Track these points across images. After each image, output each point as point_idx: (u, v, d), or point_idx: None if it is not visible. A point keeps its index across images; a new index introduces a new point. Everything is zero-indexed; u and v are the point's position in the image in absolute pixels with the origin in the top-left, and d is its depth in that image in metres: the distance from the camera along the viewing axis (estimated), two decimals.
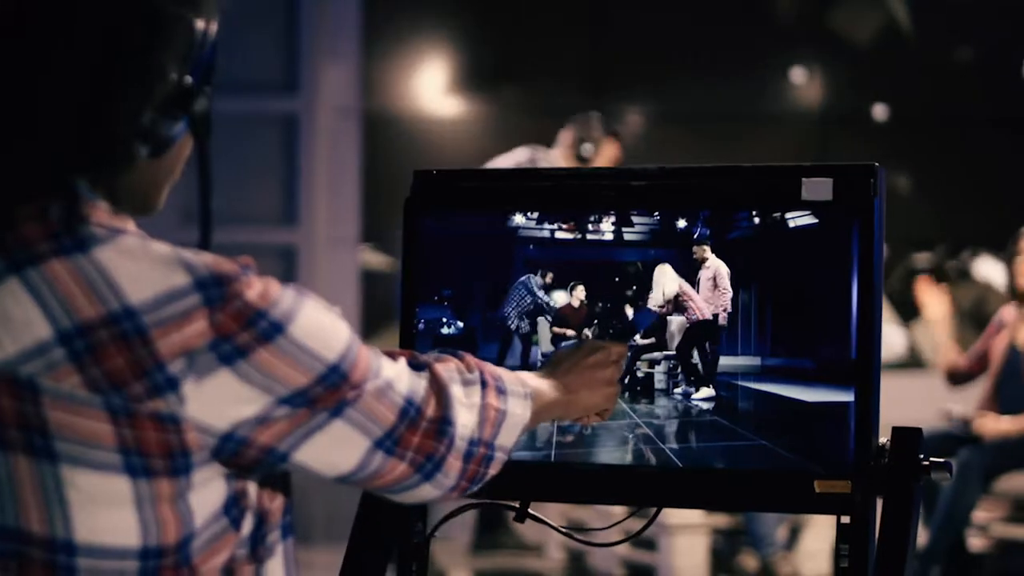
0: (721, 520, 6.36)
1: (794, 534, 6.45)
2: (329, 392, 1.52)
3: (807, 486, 1.96)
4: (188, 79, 1.50)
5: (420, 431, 1.61)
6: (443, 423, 1.63)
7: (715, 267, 2.11)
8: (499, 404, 1.74)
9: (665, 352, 2.14)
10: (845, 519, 1.96)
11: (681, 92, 11.01)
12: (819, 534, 6.35)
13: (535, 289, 2.19)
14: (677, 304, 2.12)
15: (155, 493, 1.41)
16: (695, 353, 2.14)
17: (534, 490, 2.12)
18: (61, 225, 1.42)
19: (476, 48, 10.84)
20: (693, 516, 6.19)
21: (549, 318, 2.17)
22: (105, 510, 1.39)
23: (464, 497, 2.15)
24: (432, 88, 10.79)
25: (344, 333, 1.55)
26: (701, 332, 2.15)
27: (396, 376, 1.60)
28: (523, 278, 2.15)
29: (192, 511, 1.45)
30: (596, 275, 2.15)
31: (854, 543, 1.95)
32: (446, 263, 2.15)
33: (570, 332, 2.20)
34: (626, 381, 2.12)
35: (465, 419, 1.68)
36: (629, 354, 2.13)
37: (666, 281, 2.19)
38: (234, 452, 1.47)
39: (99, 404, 1.37)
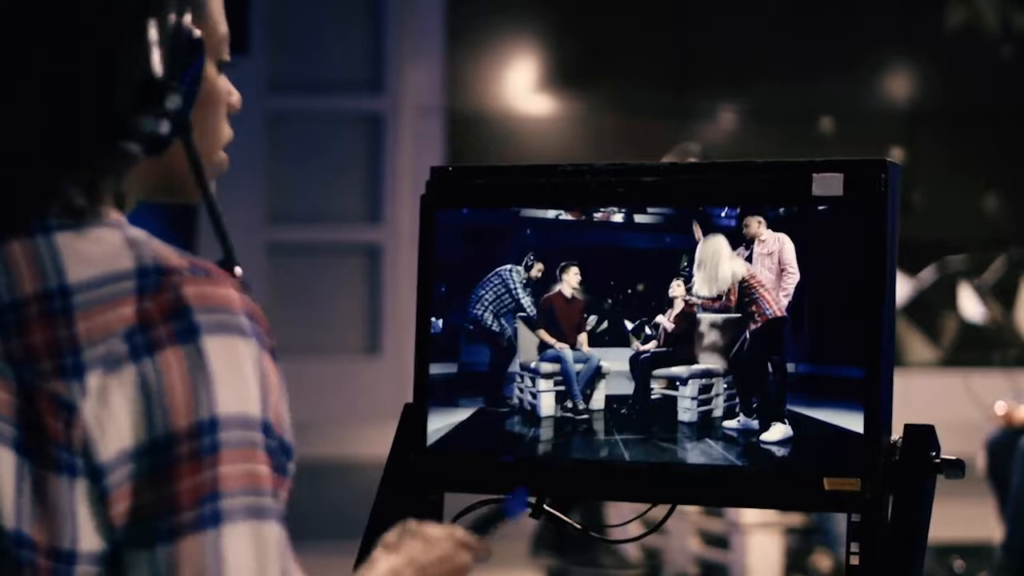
0: (795, 519, 6.32)
1: None
2: (191, 465, 1.32)
3: (817, 484, 1.94)
4: (158, 74, 1.46)
5: None
6: None
7: (777, 244, 1.99)
8: None
9: (694, 366, 1.99)
10: (856, 517, 1.95)
11: (767, 90, 10.95)
12: None
13: (514, 284, 2.06)
14: (743, 295, 1.98)
15: (38, 480, 1.34)
16: (761, 370, 1.95)
17: (550, 486, 2.11)
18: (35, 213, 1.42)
19: (561, 46, 10.84)
20: (767, 515, 6.17)
21: (528, 316, 2.06)
22: None
23: (476, 493, 2.16)
24: (517, 87, 10.81)
25: (254, 407, 1.36)
26: (772, 337, 1.97)
27: (266, 559, 1.34)
28: (500, 268, 2.09)
29: (77, 531, 1.34)
30: (597, 261, 2.03)
31: (864, 541, 1.94)
32: (461, 261, 2.15)
33: (557, 344, 2.02)
34: (636, 408, 2.00)
35: None
36: (638, 372, 1.95)
37: (724, 261, 1.98)
38: (100, 500, 1.32)
39: (10, 375, 1.35)
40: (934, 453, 1.96)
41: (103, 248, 1.39)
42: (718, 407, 1.99)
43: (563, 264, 2.07)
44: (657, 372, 2.01)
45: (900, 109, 11.03)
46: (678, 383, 2.00)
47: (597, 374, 2.06)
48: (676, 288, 2.04)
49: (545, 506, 2.13)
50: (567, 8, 10.84)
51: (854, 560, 1.95)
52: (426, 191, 2.16)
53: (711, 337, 1.99)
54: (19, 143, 1.41)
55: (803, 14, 10.92)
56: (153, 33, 1.47)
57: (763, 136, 10.83)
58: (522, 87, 10.82)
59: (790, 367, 1.98)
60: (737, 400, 1.98)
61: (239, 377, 1.36)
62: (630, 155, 9.62)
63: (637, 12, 10.88)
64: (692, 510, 6.33)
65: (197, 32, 1.52)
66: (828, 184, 1.98)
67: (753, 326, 1.98)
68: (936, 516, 1.98)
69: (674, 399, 2.00)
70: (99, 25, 1.43)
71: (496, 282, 2.10)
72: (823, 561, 6.29)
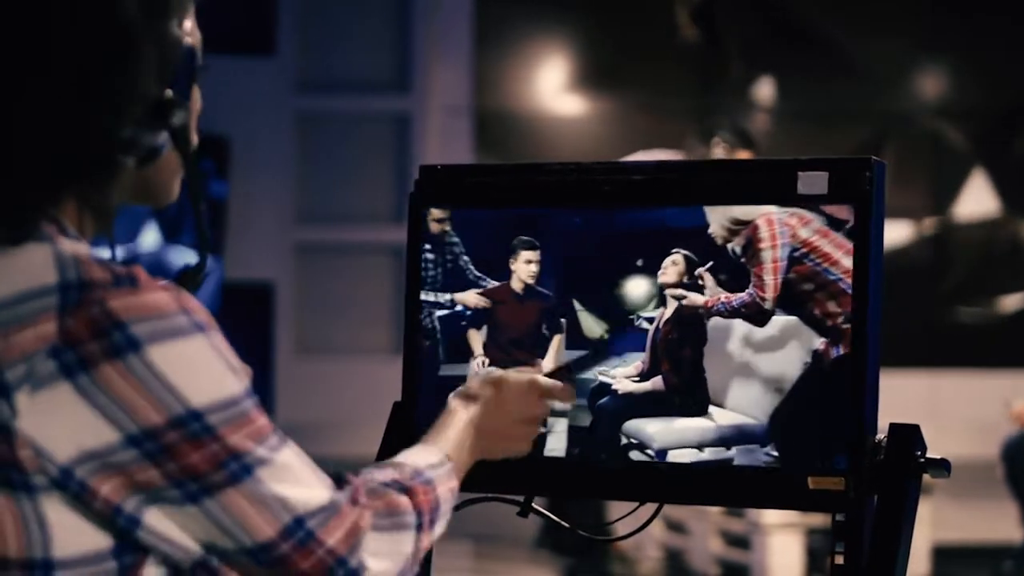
0: (817, 519, 6.30)
1: None
2: (190, 445, 1.40)
3: (801, 483, 1.94)
4: (168, 92, 1.48)
5: (314, 558, 1.48)
6: (349, 567, 1.50)
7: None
8: (430, 536, 1.65)
9: (691, 422, 1.87)
10: (841, 517, 1.94)
11: (797, 90, 10.91)
12: (917, 534, 6.26)
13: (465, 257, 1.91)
14: (802, 280, 1.85)
15: None
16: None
17: (538, 485, 2.11)
18: None
19: (590, 46, 10.83)
20: (788, 515, 6.15)
21: (463, 310, 1.94)
22: None
23: (467, 492, 2.16)
24: (545, 86, 10.80)
25: (230, 386, 1.43)
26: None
27: (298, 472, 1.47)
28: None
29: (50, 536, 1.37)
30: (566, 246, 1.91)
31: (849, 541, 1.93)
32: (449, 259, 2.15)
33: (480, 359, 1.84)
34: (597, 470, 1.84)
35: (384, 567, 1.55)
36: (598, 420, 1.81)
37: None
38: (80, 497, 1.37)
39: None
40: (919, 452, 1.95)
41: (27, 264, 1.37)
42: None
43: (519, 240, 1.96)
44: (628, 427, 1.87)
45: (932, 108, 10.98)
46: (654, 455, 1.85)
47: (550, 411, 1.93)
48: (670, 269, 1.93)
49: (533, 504, 2.13)
50: (595, 8, 10.83)
51: (839, 559, 1.95)
52: (415, 190, 2.17)
53: (732, 356, 1.87)
54: (27, 161, 1.41)
55: (833, 14, 10.88)
56: (163, 48, 1.46)
57: (793, 136, 10.79)
58: (550, 87, 10.81)
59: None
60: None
61: (200, 371, 1.40)
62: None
63: (666, 11, 10.86)
64: (714, 510, 6.33)
65: (188, 40, 1.50)
66: (813, 182, 1.97)
67: (831, 345, 1.86)
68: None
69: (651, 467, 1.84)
70: (117, 48, 1.43)
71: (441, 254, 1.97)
72: None
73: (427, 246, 2.08)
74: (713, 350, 1.86)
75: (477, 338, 1.91)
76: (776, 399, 1.84)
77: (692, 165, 2.05)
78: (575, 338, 1.94)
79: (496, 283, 2.00)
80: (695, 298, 1.88)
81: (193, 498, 1.41)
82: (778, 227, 1.90)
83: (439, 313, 2.06)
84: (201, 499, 1.41)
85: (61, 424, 1.34)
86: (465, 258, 2.01)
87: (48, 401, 1.33)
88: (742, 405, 1.81)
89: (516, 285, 1.93)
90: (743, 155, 6.81)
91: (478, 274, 2.03)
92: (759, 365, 1.86)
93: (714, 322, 1.86)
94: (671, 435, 1.87)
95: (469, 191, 2.15)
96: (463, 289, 2.02)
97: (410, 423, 2.12)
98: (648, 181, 2.06)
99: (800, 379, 1.78)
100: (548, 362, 1.90)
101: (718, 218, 1.91)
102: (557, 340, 1.89)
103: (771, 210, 1.86)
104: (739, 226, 1.92)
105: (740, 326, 1.85)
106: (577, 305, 1.95)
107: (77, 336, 1.34)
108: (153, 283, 1.39)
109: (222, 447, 1.41)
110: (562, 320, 1.96)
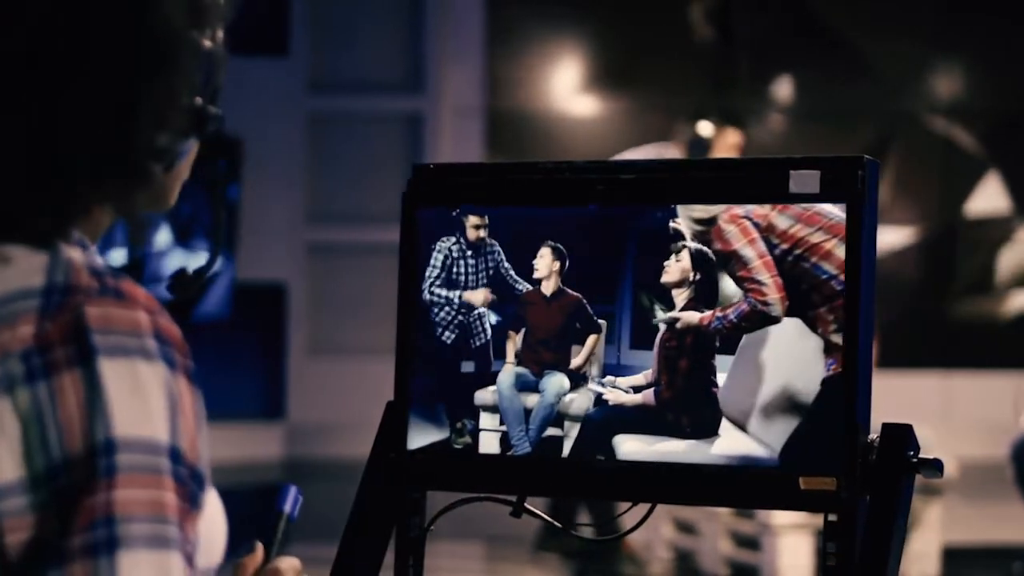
0: None
1: None
2: (86, 488, 1.25)
3: (793, 483, 1.92)
4: (198, 100, 1.46)
5: None
6: None
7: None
8: None
9: (696, 446, 1.89)
10: (833, 517, 1.93)
11: (810, 90, 10.89)
12: (928, 536, 6.25)
13: (463, 255, 1.92)
14: (794, 285, 1.83)
15: None
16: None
17: (530, 485, 2.10)
18: None
19: (602, 46, 10.82)
20: (798, 516, 6.14)
21: (491, 321, 1.91)
22: None
23: (459, 492, 2.15)
24: (557, 87, 10.79)
25: (159, 431, 1.28)
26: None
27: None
28: (442, 241, 1.97)
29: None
30: (587, 243, 1.91)
31: (841, 542, 1.92)
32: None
33: (509, 362, 1.82)
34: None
35: None
36: (587, 430, 1.75)
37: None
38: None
39: None
40: (912, 452, 1.94)
41: (25, 266, 1.34)
42: None
43: (536, 245, 1.96)
44: (614, 441, 1.88)
45: (944, 109, 10.96)
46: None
47: (564, 416, 1.95)
48: (674, 267, 1.92)
49: (525, 504, 2.13)
50: (608, 7, 10.82)
51: (831, 561, 1.93)
52: (407, 189, 2.16)
53: (764, 374, 1.88)
54: (68, 174, 1.38)
55: (846, 15, 10.86)
56: (198, 57, 1.45)
57: (804, 135, 10.77)
58: (562, 87, 10.81)
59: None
60: None
61: (140, 400, 1.28)
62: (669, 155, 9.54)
63: (679, 11, 10.85)
64: (723, 511, 6.32)
65: (208, 44, 1.49)
66: (805, 181, 1.96)
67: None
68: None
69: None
70: (157, 56, 1.41)
71: (441, 260, 2.00)
72: None
73: (468, 252, 2.07)
74: (739, 362, 1.85)
75: (511, 343, 1.91)
76: (791, 420, 1.84)
77: (684, 164, 2.04)
78: (645, 338, 1.92)
79: (531, 286, 1.99)
80: (688, 317, 1.86)
81: (43, 569, 1.24)
82: (748, 222, 1.88)
83: (490, 318, 2.05)
84: (47, 570, 1.24)
85: (8, 440, 1.27)
86: (506, 265, 2.00)
87: (7, 409, 1.28)
88: (761, 429, 1.84)
89: (544, 287, 1.93)
90: (731, 134, 6.80)
91: (516, 278, 2.02)
92: (777, 379, 1.85)
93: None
94: (648, 457, 1.87)
95: (463, 190, 2.15)
96: (507, 294, 2.02)
97: (402, 424, 2.12)
98: (640, 180, 2.05)
99: (818, 396, 1.77)
100: (578, 360, 1.90)
101: (684, 218, 1.90)
102: (592, 339, 1.89)
103: (731, 205, 1.86)
104: (701, 226, 1.89)
105: (772, 334, 1.83)
106: (647, 303, 1.94)
107: (50, 341, 1.29)
108: (141, 301, 1.33)
109: (106, 499, 1.25)
110: (600, 321, 1.94)
